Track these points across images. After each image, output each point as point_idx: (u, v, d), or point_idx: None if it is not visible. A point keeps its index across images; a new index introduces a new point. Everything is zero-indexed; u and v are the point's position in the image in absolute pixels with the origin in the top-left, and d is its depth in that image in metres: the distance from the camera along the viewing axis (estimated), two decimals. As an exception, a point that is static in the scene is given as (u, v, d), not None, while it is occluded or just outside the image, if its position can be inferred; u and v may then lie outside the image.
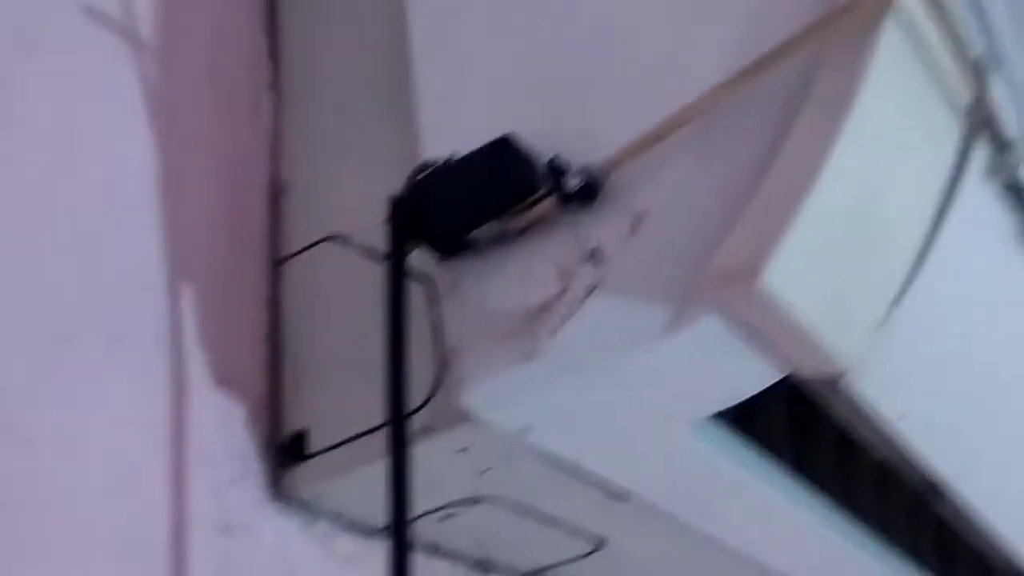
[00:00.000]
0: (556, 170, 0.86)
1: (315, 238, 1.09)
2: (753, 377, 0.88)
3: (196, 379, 0.96)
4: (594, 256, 0.85)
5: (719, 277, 0.78)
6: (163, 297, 0.96)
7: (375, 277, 1.00)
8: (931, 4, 0.84)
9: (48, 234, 0.90)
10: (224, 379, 0.99)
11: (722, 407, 0.94)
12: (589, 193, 0.85)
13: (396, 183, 0.98)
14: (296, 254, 1.10)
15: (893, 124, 0.84)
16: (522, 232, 0.89)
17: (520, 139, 0.88)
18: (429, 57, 1.05)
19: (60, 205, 0.93)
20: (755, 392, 0.90)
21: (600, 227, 0.86)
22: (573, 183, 0.84)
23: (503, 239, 0.90)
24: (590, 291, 0.84)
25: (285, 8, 1.31)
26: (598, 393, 0.88)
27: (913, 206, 0.88)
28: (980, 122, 0.93)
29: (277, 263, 1.12)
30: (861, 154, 0.79)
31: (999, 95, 0.93)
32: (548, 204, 0.86)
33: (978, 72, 0.90)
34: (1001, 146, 0.95)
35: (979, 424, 1.16)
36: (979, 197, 0.96)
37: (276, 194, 1.16)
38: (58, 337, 0.87)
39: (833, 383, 0.91)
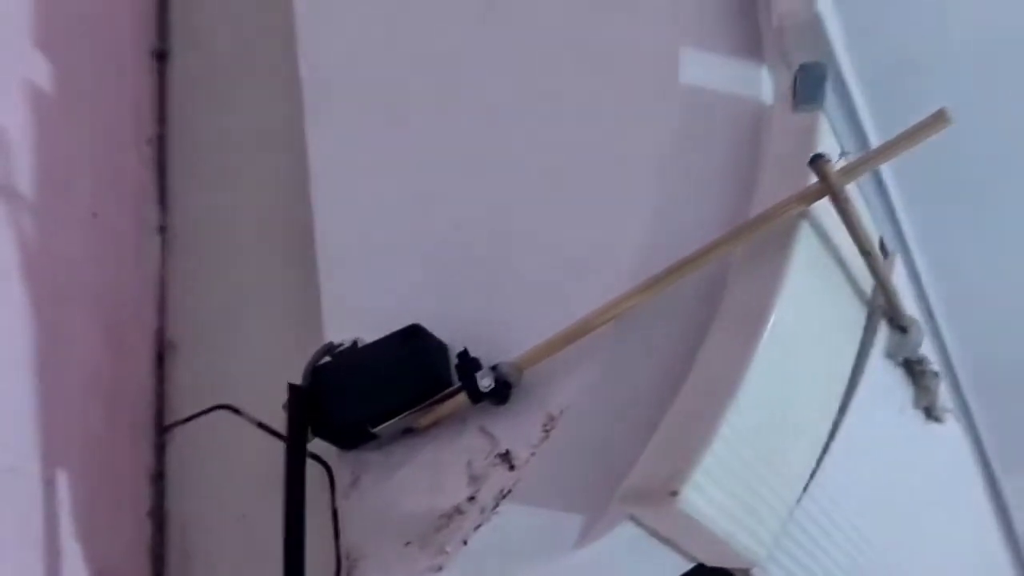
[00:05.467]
0: (467, 366, 0.83)
1: (205, 405, 1.02)
2: (665, 570, 0.86)
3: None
4: (506, 459, 0.82)
5: (634, 495, 0.76)
6: (36, 481, 0.89)
7: (271, 452, 0.95)
8: (839, 205, 0.84)
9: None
10: (102, 572, 0.91)
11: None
12: (501, 392, 0.82)
13: (296, 347, 0.93)
14: (184, 421, 1.04)
15: (806, 326, 0.84)
16: (430, 428, 0.85)
17: (428, 330, 0.85)
18: (332, 215, 1.00)
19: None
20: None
21: (512, 428, 0.83)
22: (485, 382, 0.81)
23: (410, 434, 0.86)
24: (502, 497, 0.80)
25: (175, 144, 1.25)
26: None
27: (823, 397, 0.88)
28: (881, 308, 0.94)
29: (163, 430, 1.05)
30: (776, 366, 0.78)
31: (898, 281, 0.94)
32: (459, 401, 0.83)
33: (877, 262, 0.91)
34: (900, 329, 0.96)
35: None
36: (881, 373, 0.97)
37: (162, 353, 1.09)
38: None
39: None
